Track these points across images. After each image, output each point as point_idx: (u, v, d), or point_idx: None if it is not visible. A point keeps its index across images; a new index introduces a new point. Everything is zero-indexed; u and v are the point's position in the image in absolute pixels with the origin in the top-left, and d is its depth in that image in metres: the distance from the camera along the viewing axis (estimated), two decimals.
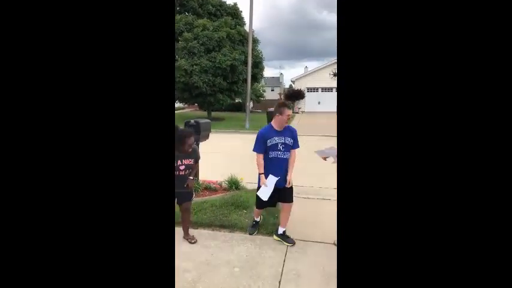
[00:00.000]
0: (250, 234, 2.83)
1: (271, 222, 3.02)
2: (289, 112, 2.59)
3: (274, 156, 2.60)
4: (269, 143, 2.58)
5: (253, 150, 2.64)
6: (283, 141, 2.60)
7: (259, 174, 2.63)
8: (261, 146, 2.60)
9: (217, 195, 3.87)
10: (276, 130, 2.61)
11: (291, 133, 2.65)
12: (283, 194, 2.67)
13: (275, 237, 2.76)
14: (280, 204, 2.80)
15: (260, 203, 2.74)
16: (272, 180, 2.57)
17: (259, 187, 2.67)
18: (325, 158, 2.70)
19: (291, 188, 2.69)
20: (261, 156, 2.61)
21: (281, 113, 2.55)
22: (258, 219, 2.94)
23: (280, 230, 2.77)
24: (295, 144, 2.68)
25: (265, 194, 2.59)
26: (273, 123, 2.63)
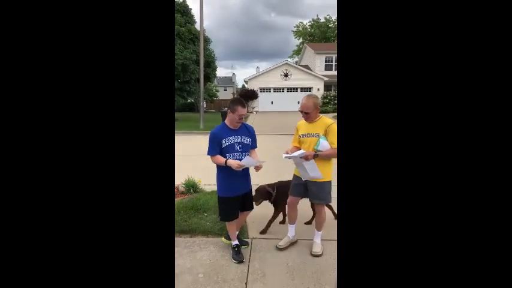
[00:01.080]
0: (240, 262, 2.39)
1: None
2: (243, 111, 2.24)
3: (233, 159, 2.29)
4: (224, 143, 2.28)
5: (208, 153, 2.32)
6: (239, 140, 2.32)
7: (225, 162, 2.23)
8: (214, 148, 2.28)
9: (175, 199, 3.70)
10: (231, 129, 2.32)
11: (248, 131, 2.40)
12: (245, 200, 2.49)
13: (225, 240, 2.66)
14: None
15: (226, 214, 2.42)
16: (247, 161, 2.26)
17: (221, 197, 2.40)
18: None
19: (251, 194, 2.57)
20: (216, 156, 2.29)
21: (233, 111, 2.24)
22: (237, 242, 2.54)
23: None
24: (254, 144, 2.45)
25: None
26: (226, 121, 2.35)
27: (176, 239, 2.78)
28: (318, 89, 20.68)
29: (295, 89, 21.52)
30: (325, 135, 2.38)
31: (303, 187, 2.52)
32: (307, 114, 2.42)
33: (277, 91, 21.77)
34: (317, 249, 2.52)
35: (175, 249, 2.59)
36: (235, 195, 2.39)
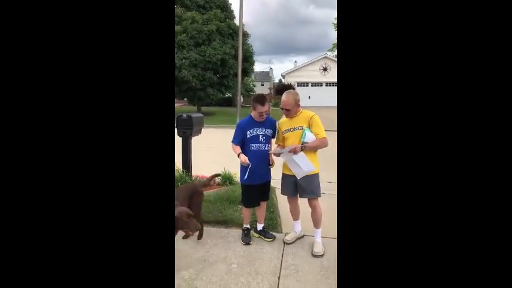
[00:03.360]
0: (246, 244, 2.57)
1: (267, 217, 2.98)
2: (262, 109, 2.41)
3: (257, 149, 2.48)
4: (249, 134, 2.47)
5: (232, 141, 2.52)
6: (264, 132, 2.50)
7: (238, 154, 2.43)
8: (237, 137, 2.49)
9: (211, 190, 3.80)
10: (257, 121, 2.50)
11: (271, 124, 2.57)
12: (264, 190, 2.63)
13: (254, 234, 2.72)
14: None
15: (245, 200, 2.64)
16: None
17: (242, 183, 2.59)
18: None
19: (269, 184, 2.67)
20: (237, 146, 2.48)
21: (254, 108, 2.45)
22: (248, 226, 2.71)
23: (259, 227, 2.73)
24: (274, 135, 2.61)
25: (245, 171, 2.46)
26: (252, 114, 2.52)
27: (211, 228, 2.86)
28: None
29: (334, 84, 20.83)
30: (309, 127, 2.39)
31: (293, 185, 2.51)
32: (288, 111, 2.45)
33: (315, 85, 21.26)
34: (318, 249, 2.42)
35: (210, 238, 2.66)
36: (254, 184, 2.53)
